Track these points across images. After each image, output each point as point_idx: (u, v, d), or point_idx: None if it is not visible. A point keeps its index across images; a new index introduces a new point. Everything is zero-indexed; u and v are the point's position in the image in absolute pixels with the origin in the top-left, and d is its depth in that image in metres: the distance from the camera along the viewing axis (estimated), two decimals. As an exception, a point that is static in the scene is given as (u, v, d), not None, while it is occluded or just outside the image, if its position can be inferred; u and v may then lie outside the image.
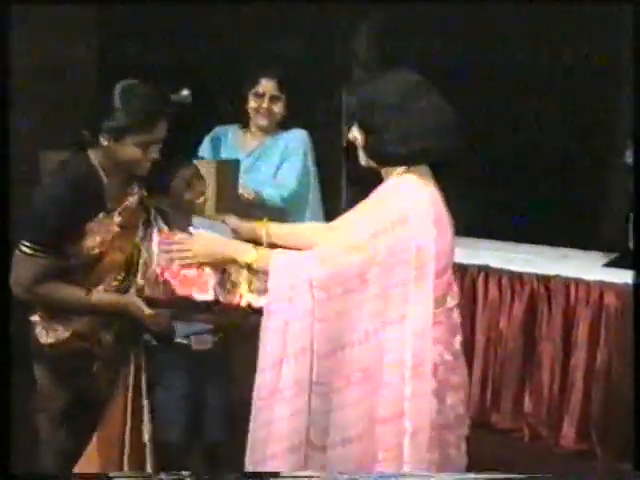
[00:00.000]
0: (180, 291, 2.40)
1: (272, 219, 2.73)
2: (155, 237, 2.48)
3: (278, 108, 3.52)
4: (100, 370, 2.60)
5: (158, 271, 2.41)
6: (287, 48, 4.55)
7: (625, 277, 3.67)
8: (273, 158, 3.51)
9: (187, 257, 2.39)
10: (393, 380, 2.25)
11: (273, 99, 3.50)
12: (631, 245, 3.70)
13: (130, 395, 2.61)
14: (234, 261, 2.37)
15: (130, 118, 2.38)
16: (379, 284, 2.22)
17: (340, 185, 5.20)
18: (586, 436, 3.77)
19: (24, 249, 2.44)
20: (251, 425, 2.29)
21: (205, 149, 3.63)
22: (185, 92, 3.26)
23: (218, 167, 2.92)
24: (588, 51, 4.21)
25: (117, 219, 2.50)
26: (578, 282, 3.80)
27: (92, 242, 2.47)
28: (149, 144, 2.43)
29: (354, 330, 2.24)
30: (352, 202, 5.28)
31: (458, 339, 2.44)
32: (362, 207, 2.38)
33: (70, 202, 2.43)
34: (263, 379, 2.26)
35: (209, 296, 2.40)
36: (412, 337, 2.24)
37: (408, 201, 2.25)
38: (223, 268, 2.42)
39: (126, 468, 2.59)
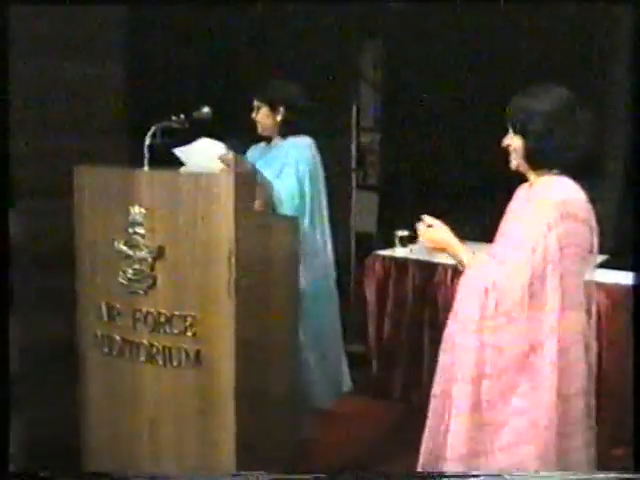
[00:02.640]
0: None
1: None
2: None
3: (260, 117, 3.65)
4: None
5: None
6: (297, 60, 4.65)
7: (615, 278, 3.82)
8: (275, 164, 3.59)
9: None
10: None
11: (258, 110, 3.66)
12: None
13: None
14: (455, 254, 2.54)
15: None
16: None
17: (351, 190, 5.34)
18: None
19: None
20: None
21: None
22: (205, 109, 3.35)
23: (236, 179, 2.95)
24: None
25: None
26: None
27: None
28: None
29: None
30: (361, 206, 5.42)
31: None
32: (526, 211, 2.47)
33: None
34: None
35: None
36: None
37: (571, 195, 2.40)
38: None
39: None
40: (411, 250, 4.45)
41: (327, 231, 3.72)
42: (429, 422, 2.58)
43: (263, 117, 3.65)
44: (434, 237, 2.56)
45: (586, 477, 2.46)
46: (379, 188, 5.60)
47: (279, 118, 3.64)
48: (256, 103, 3.66)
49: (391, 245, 4.51)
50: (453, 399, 2.42)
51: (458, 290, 2.49)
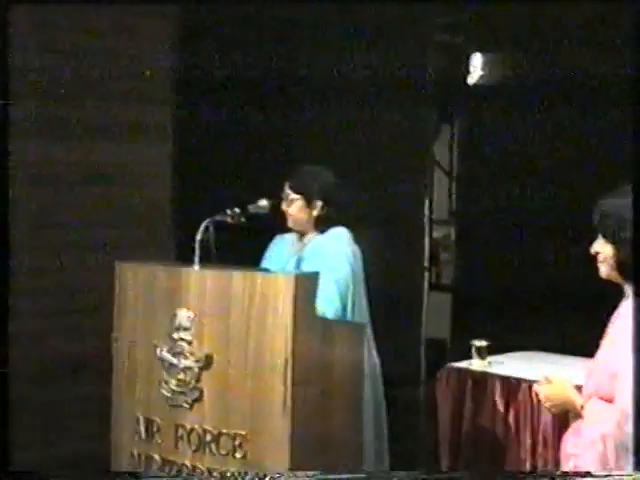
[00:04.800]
0: None
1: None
2: None
3: (293, 210, 3.64)
4: None
5: None
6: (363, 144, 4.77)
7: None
8: (310, 264, 3.57)
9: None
10: None
11: (289, 201, 3.64)
12: None
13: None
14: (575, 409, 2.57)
15: None
16: None
17: (422, 291, 5.39)
18: None
19: None
20: None
21: (266, 259, 3.78)
22: (263, 202, 3.46)
23: (297, 281, 3.03)
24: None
25: None
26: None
27: None
28: None
29: None
30: (434, 309, 5.40)
31: None
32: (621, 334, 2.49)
33: None
34: None
35: None
36: None
37: None
38: None
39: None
40: (489, 363, 4.44)
41: (370, 337, 3.67)
42: None
43: (297, 211, 3.63)
44: (553, 395, 2.61)
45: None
46: (454, 289, 5.65)
47: (315, 213, 3.64)
48: (289, 194, 3.63)
49: (467, 356, 4.50)
50: None
51: (570, 442, 2.52)
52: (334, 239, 3.65)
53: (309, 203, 3.63)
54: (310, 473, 2.81)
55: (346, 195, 3.73)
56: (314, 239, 3.68)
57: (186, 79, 4.71)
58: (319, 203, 3.63)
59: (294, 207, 3.64)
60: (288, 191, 3.64)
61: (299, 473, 2.86)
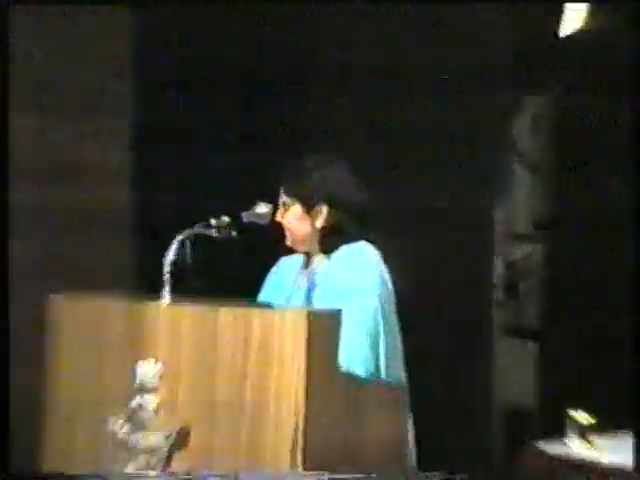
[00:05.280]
0: None
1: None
2: None
3: (290, 221, 3.58)
4: None
5: None
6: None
7: None
8: (327, 298, 3.51)
9: None
10: None
11: (284, 209, 3.60)
12: None
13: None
14: None
15: None
16: None
17: (492, 336, 5.35)
18: None
19: None
20: None
21: (266, 290, 3.76)
22: (262, 208, 3.44)
23: (310, 320, 2.96)
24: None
25: None
26: None
27: None
28: None
29: None
30: (510, 362, 5.42)
31: None
32: None
33: None
34: None
35: None
36: None
37: None
38: None
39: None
40: (593, 446, 4.33)
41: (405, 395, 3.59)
42: None
43: (294, 221, 3.60)
44: None
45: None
46: (539, 334, 5.62)
47: (319, 223, 3.59)
48: (283, 198, 3.61)
49: (560, 432, 4.40)
50: None
51: None
52: (352, 261, 3.57)
53: (309, 209, 3.57)
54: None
55: (364, 196, 3.67)
56: (324, 262, 3.63)
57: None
58: (324, 209, 3.57)
59: (290, 216, 3.60)
60: (282, 195, 3.62)
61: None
